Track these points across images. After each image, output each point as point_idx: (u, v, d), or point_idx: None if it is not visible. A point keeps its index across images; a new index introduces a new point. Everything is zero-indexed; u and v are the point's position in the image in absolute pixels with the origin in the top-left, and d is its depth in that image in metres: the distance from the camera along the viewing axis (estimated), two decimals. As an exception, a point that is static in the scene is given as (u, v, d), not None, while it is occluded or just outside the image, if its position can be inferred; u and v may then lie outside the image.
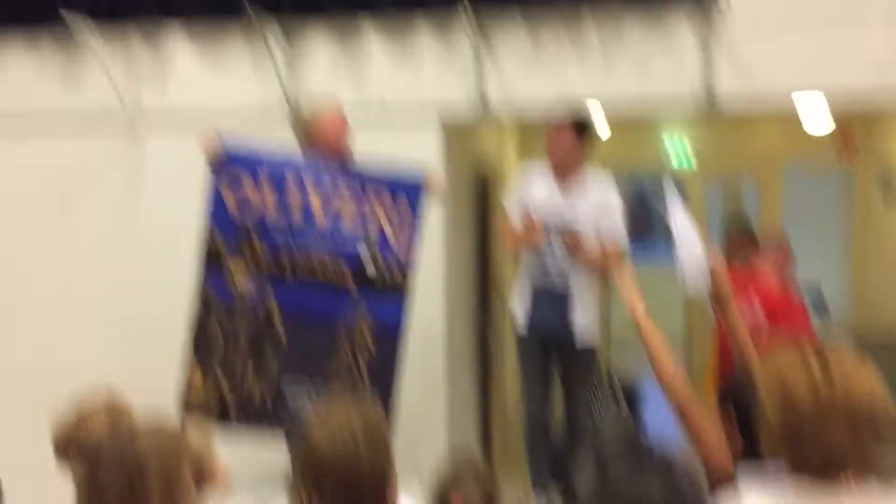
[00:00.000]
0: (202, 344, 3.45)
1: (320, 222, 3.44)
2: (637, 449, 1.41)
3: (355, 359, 3.46)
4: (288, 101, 4.17)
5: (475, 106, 4.05)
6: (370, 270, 3.44)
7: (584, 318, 3.92)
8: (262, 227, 3.44)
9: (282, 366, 3.45)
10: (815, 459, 1.58)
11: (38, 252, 4.37)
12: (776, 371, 1.63)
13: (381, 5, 4.03)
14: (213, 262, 3.45)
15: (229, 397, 3.47)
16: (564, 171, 3.87)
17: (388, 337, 3.44)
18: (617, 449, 1.33)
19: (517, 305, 3.99)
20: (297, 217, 3.44)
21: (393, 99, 4.11)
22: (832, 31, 3.80)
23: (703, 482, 1.40)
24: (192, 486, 1.80)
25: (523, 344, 3.99)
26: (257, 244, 3.45)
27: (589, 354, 4.05)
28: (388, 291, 3.44)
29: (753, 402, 1.69)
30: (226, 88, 4.24)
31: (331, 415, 1.79)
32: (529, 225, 3.76)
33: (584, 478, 1.38)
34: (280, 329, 3.46)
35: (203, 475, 2.24)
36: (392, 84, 4.11)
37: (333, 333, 3.44)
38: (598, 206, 3.86)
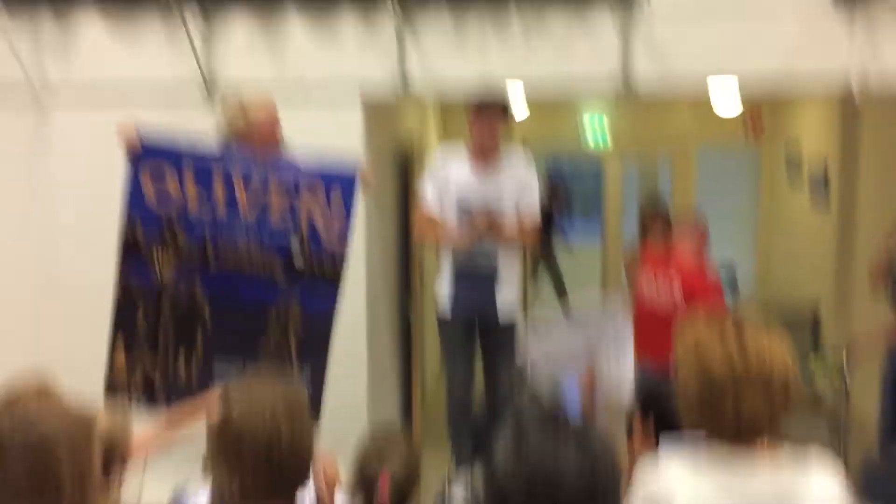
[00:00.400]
0: (125, 327, 3.39)
1: (246, 215, 3.38)
2: (553, 420, 1.42)
3: (286, 341, 3.44)
4: (204, 79, 4.07)
5: (397, 85, 4.04)
6: (299, 263, 3.41)
7: (507, 297, 4.00)
8: (185, 219, 3.37)
9: (209, 346, 3.42)
10: (731, 427, 1.66)
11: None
12: (693, 343, 1.70)
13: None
14: (132, 250, 3.37)
15: (155, 378, 3.43)
16: (486, 152, 3.92)
17: (318, 323, 3.43)
18: (533, 420, 1.34)
19: (440, 287, 4.02)
20: (221, 210, 3.37)
21: (314, 77, 4.06)
22: (745, 21, 3.94)
23: (617, 453, 1.45)
24: (99, 469, 1.77)
25: (447, 325, 4.03)
26: (180, 235, 3.39)
27: (512, 333, 4.13)
28: (318, 282, 3.42)
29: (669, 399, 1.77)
30: (139, 65, 4.11)
31: (250, 390, 1.78)
32: (467, 225, 3.80)
33: (501, 449, 1.40)
34: (206, 312, 3.41)
35: (117, 456, 2.20)
36: (313, 63, 4.06)
37: (262, 317, 3.41)
38: (517, 184, 3.95)
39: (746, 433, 1.66)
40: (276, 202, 3.41)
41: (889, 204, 5.97)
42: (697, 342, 1.70)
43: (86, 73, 4.13)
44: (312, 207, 3.42)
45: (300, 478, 1.76)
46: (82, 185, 4.13)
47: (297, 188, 3.40)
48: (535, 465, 1.34)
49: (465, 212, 3.88)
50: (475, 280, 3.92)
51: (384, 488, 2.10)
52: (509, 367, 4.14)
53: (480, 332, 4.04)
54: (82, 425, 1.70)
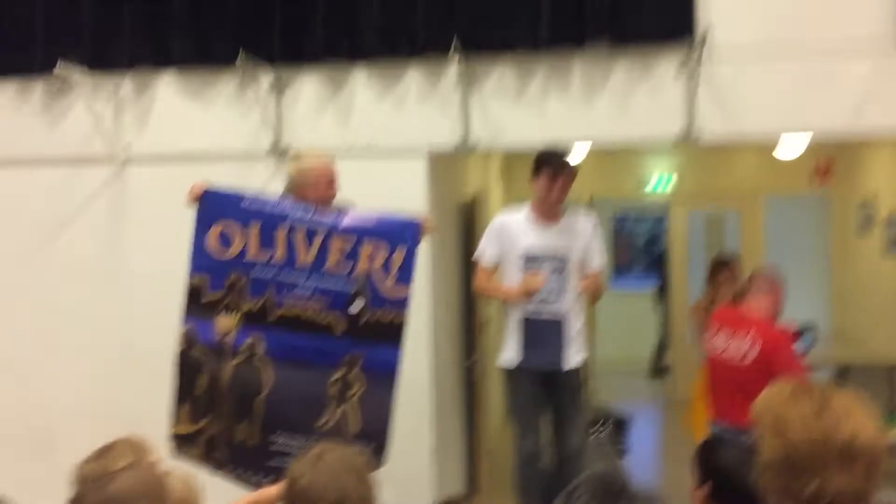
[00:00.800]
0: (187, 389, 3.42)
1: (304, 262, 3.41)
2: (619, 491, 1.37)
3: (345, 401, 3.40)
4: (277, 146, 4.18)
5: (459, 139, 4.09)
6: (354, 309, 3.39)
7: (574, 346, 4.00)
8: (248, 273, 3.41)
9: (270, 420, 3.40)
10: (807, 497, 1.57)
11: (22, 282, 4.35)
12: (777, 413, 1.63)
13: (373, 53, 4.09)
14: (195, 305, 3.42)
15: (219, 444, 3.42)
16: (552, 210, 3.95)
17: (381, 378, 3.39)
18: (600, 491, 1.27)
19: (507, 336, 4.00)
20: (280, 256, 3.41)
21: (381, 133, 4.14)
22: (812, 64, 3.89)
23: None
24: None
25: (514, 375, 4.00)
26: (241, 283, 3.41)
27: (579, 383, 4.11)
28: (379, 334, 3.40)
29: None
30: (213, 133, 4.26)
31: (317, 457, 1.78)
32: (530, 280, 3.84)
33: None
34: (269, 379, 3.41)
35: None
36: (380, 119, 4.15)
37: (323, 385, 3.39)
38: (583, 239, 4.01)
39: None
40: (335, 250, 3.42)
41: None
42: (781, 412, 1.63)
43: (163, 138, 4.29)
44: (373, 261, 3.42)
45: None
46: (157, 246, 4.23)
47: (358, 242, 3.42)
48: None
49: (532, 262, 3.90)
50: (544, 328, 3.92)
51: None
52: (578, 417, 4.08)
53: (547, 382, 4.00)
54: (157, 484, 1.72)
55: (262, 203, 3.48)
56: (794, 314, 4.93)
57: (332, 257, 3.42)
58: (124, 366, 4.21)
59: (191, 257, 3.43)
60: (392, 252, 3.44)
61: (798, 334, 4.21)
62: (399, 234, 3.46)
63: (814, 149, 7.97)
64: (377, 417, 3.40)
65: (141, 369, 4.13)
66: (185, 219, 3.48)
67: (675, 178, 8.90)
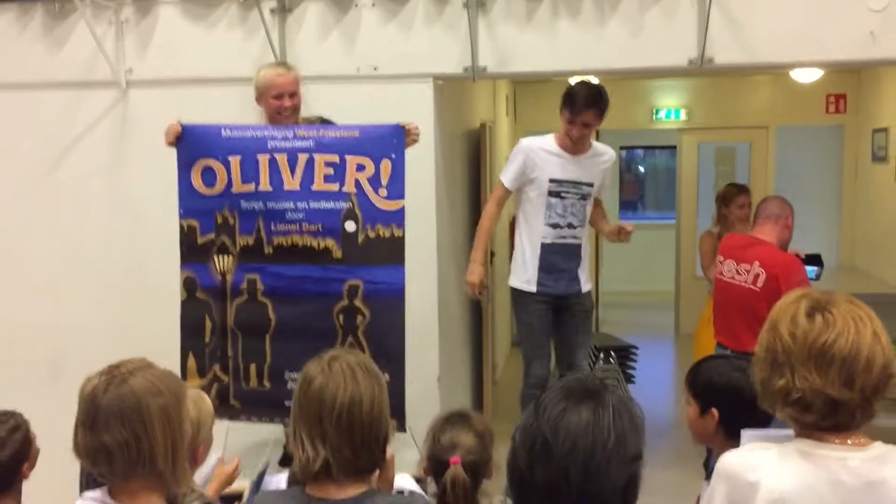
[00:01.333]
0: (193, 337, 3.40)
1: (291, 186, 3.34)
2: (592, 390, 1.36)
3: (351, 330, 3.36)
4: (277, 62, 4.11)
5: (467, 63, 4.02)
6: (351, 228, 3.32)
7: (585, 272, 4.10)
8: (232, 200, 3.35)
9: (279, 353, 3.37)
10: (778, 390, 1.57)
11: (26, 207, 4.34)
12: (778, 306, 1.62)
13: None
14: (191, 250, 3.38)
15: (229, 392, 3.41)
16: (578, 146, 3.97)
17: (387, 303, 3.33)
18: (574, 389, 1.31)
19: (523, 260, 4.01)
20: (266, 184, 3.35)
21: (385, 57, 4.06)
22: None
23: (642, 424, 1.36)
24: (189, 443, 1.79)
25: (529, 300, 4.01)
26: (231, 218, 3.36)
27: (589, 310, 4.19)
28: (379, 253, 3.31)
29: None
30: (216, 57, 4.15)
31: (331, 359, 1.79)
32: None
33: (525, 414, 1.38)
34: (272, 317, 3.38)
35: (200, 439, 2.23)
36: (385, 43, 4.06)
37: (326, 307, 3.34)
38: (602, 173, 4.10)
39: (831, 414, 1.54)
40: (323, 174, 3.35)
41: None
42: (781, 309, 1.62)
43: (166, 62, 4.21)
44: (360, 173, 3.35)
45: (377, 452, 1.76)
46: (161, 171, 4.17)
47: (342, 157, 3.34)
48: (540, 421, 1.33)
49: (557, 186, 3.94)
50: (563, 254, 3.97)
51: (458, 473, 2.09)
52: (587, 344, 4.14)
53: (559, 307, 4.04)
54: (174, 394, 1.73)
55: (241, 132, 3.40)
56: (804, 245, 4.90)
57: (318, 176, 3.34)
58: (132, 289, 4.22)
59: (180, 201, 3.37)
60: (378, 165, 3.33)
61: (807, 261, 4.18)
62: (382, 146, 3.34)
63: (827, 78, 7.85)
64: (390, 348, 3.32)
65: (149, 292, 4.14)
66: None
67: (685, 109, 8.80)
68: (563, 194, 3.93)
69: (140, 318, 4.12)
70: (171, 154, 3.51)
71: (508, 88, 7.89)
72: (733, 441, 2.06)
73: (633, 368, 6.08)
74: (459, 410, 2.31)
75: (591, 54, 3.99)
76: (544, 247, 3.96)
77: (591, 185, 3.99)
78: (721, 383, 2.21)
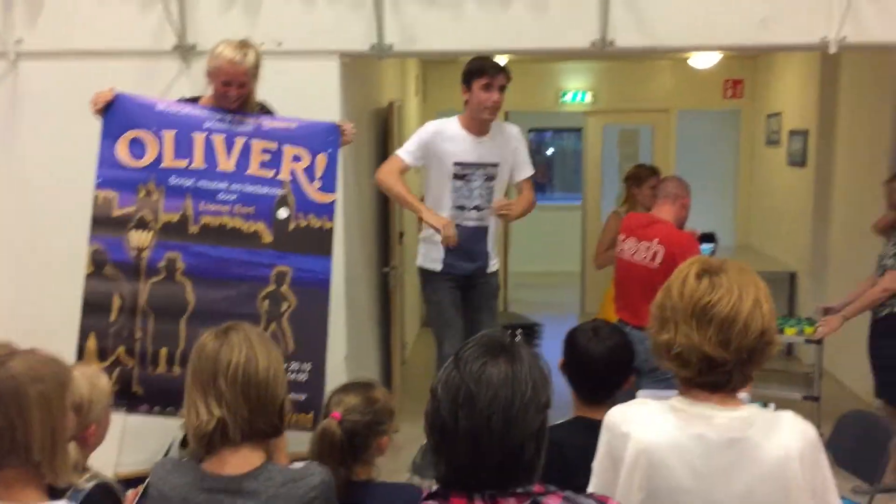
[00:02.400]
0: (98, 314, 3.18)
1: (225, 167, 3.26)
2: (504, 346, 1.47)
3: (276, 317, 3.28)
4: (181, 43, 3.99)
5: (373, 41, 3.99)
6: (283, 215, 3.29)
7: (494, 252, 4.09)
8: (160, 174, 3.23)
9: (195, 337, 3.22)
10: (661, 344, 1.66)
11: None
12: (670, 281, 1.71)
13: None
14: (103, 222, 3.19)
15: (132, 379, 3.21)
16: (484, 121, 3.91)
17: (313, 292, 3.29)
18: (487, 345, 1.45)
19: (429, 239, 4.00)
20: (199, 162, 3.25)
21: (290, 33, 4.00)
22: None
23: (549, 376, 1.48)
24: (72, 429, 1.73)
25: (437, 279, 4.01)
26: (155, 193, 3.22)
27: (496, 289, 4.19)
28: (308, 243, 3.29)
29: None
30: (112, 29, 4.01)
31: (227, 328, 1.79)
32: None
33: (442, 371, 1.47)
34: (191, 298, 3.22)
35: (91, 421, 2.13)
36: (289, 19, 4.00)
37: (251, 292, 3.24)
38: (511, 152, 4.04)
39: (707, 371, 1.63)
40: (259, 160, 3.30)
41: (865, 157, 6.01)
42: (676, 273, 1.71)
43: (57, 33, 4.04)
44: (297, 165, 3.33)
45: (275, 416, 1.75)
46: (54, 145, 4.02)
47: (280, 146, 3.32)
48: (463, 374, 1.42)
49: (463, 169, 3.89)
50: (471, 235, 3.95)
51: (329, 425, 2.09)
52: (493, 323, 4.16)
53: (467, 286, 4.05)
54: (56, 380, 1.65)
55: (178, 108, 3.31)
56: (702, 224, 5.08)
57: (255, 161, 3.29)
58: (24, 267, 4.06)
59: (97, 170, 3.21)
60: (314, 158, 3.36)
61: (702, 239, 4.35)
62: (320, 140, 3.37)
63: (725, 64, 8.13)
64: (312, 335, 3.28)
65: (42, 270, 3.99)
66: (85, 117, 3.31)
67: (591, 92, 8.99)
68: (468, 177, 3.90)
69: (33, 296, 3.97)
70: (66, 127, 3.38)
71: (418, 68, 7.90)
72: (581, 402, 2.40)
73: (538, 346, 6.21)
74: (363, 380, 2.32)
75: (496, 34, 4.02)
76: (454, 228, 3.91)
77: (495, 165, 3.96)
78: (570, 339, 2.45)
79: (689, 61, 7.46)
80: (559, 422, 2.32)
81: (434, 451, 1.46)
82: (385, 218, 5.40)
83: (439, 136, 3.90)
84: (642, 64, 8.63)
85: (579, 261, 9.13)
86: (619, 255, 4.27)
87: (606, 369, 2.39)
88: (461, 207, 3.94)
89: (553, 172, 13.20)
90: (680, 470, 1.61)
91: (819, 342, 4.86)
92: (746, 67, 8.52)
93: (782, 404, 1.79)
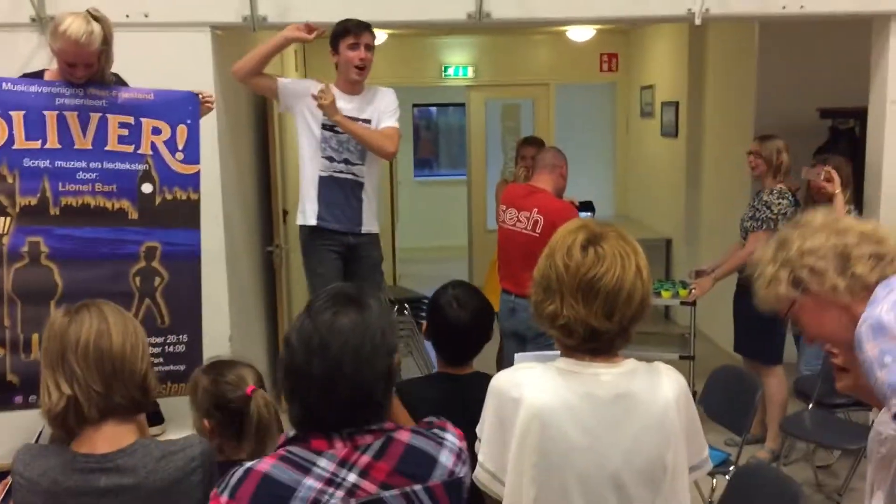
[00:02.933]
0: None
1: (82, 144, 3.14)
2: (347, 295, 1.58)
3: (148, 293, 3.23)
4: (39, 15, 3.77)
5: (246, 11, 3.90)
6: (147, 189, 3.22)
7: (370, 212, 4.02)
8: (18, 165, 3.09)
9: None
10: (547, 315, 1.69)
11: None
12: (556, 235, 1.74)
13: None
14: None
15: (3, 357, 3.11)
16: (356, 80, 3.89)
17: (184, 265, 3.26)
18: (337, 296, 1.59)
19: (305, 195, 3.94)
20: (53, 141, 3.11)
21: (159, 9, 3.85)
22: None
23: (396, 323, 1.61)
24: None
25: (315, 237, 3.95)
26: (10, 177, 3.08)
27: (378, 261, 4.14)
28: (175, 216, 3.24)
29: None
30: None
31: (77, 307, 1.74)
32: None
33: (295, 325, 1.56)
34: (59, 282, 3.12)
35: None
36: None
37: (124, 281, 3.18)
38: (382, 104, 3.99)
39: (591, 340, 1.67)
40: (117, 134, 3.20)
41: (732, 127, 6.31)
42: (559, 239, 1.72)
43: None
44: (157, 138, 3.25)
45: (135, 389, 1.71)
46: None
47: (138, 120, 3.22)
48: (316, 323, 1.52)
49: (329, 127, 3.86)
50: (344, 187, 3.91)
51: (264, 396, 2.07)
52: (376, 279, 4.14)
53: (348, 255, 4.01)
54: None
55: (26, 86, 3.14)
56: (582, 194, 5.21)
57: (113, 137, 3.19)
58: None
59: None
60: (174, 129, 3.28)
61: (580, 207, 4.48)
62: (178, 110, 3.29)
63: (601, 38, 8.34)
64: (186, 308, 3.28)
65: None
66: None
67: (472, 67, 9.06)
68: (336, 129, 3.86)
69: None
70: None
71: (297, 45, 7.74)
72: (444, 362, 2.51)
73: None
74: (222, 357, 2.28)
75: (372, 6, 3.98)
76: (322, 179, 3.90)
77: (367, 121, 3.93)
78: (433, 307, 2.55)
79: (567, 34, 7.62)
80: (419, 375, 2.43)
81: (288, 396, 1.54)
82: (267, 196, 5.30)
83: (313, 87, 3.84)
84: (522, 38, 8.75)
85: (466, 234, 9.23)
86: (501, 224, 4.34)
87: (470, 334, 2.49)
88: (329, 159, 3.89)
89: (438, 147, 13.26)
90: (572, 429, 1.65)
91: (693, 304, 5.09)
92: (621, 41, 8.77)
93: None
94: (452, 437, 1.60)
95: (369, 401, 1.52)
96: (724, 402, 3.91)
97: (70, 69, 3.13)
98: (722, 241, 5.64)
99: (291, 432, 1.54)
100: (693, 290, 4.98)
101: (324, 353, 1.49)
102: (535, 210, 4.12)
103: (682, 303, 5.17)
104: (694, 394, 4.56)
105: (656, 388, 1.71)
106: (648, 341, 5.38)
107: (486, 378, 1.81)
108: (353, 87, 3.93)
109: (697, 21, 4.10)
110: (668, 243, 7.66)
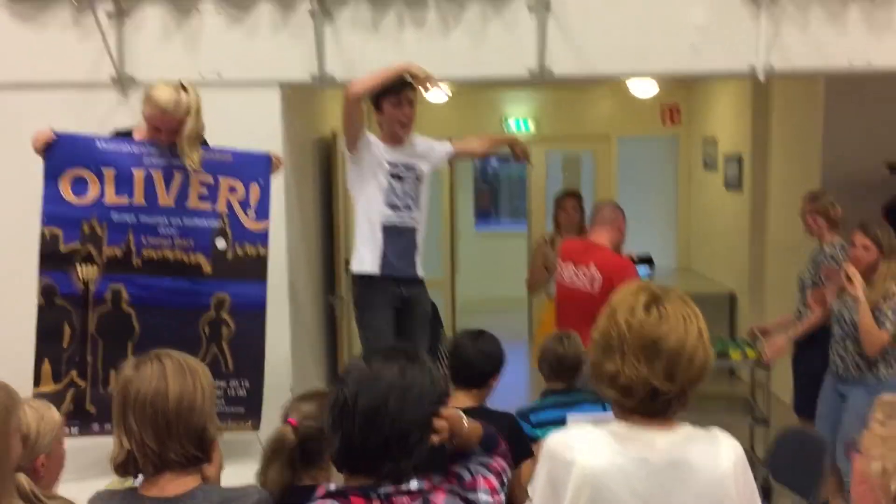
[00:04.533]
0: (50, 343, 3.36)
1: (165, 202, 3.41)
2: (403, 350, 1.72)
3: (215, 340, 3.48)
4: (119, 76, 3.96)
5: (314, 71, 4.02)
6: (221, 245, 3.47)
7: (420, 258, 4.02)
8: (107, 219, 3.37)
9: (139, 353, 3.35)
10: (606, 375, 1.68)
11: None
12: (617, 297, 1.74)
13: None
14: (52, 257, 3.34)
15: (86, 402, 3.40)
16: (401, 134, 3.93)
17: (250, 316, 3.49)
18: (385, 352, 1.73)
19: (362, 243, 3.95)
20: (140, 198, 3.39)
21: (231, 64, 4.01)
22: (654, 10, 4.05)
23: (445, 380, 1.78)
24: (16, 458, 1.71)
25: (372, 286, 3.94)
26: (99, 229, 3.36)
27: (429, 311, 4.16)
28: (245, 270, 3.48)
29: None
30: (48, 60, 3.97)
31: (141, 359, 1.80)
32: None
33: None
34: (136, 326, 3.40)
35: (40, 451, 2.10)
36: (230, 50, 4.00)
37: (195, 329, 3.44)
38: (429, 148, 4.07)
39: (649, 401, 1.66)
40: (197, 193, 3.46)
41: (798, 181, 6.21)
42: (620, 299, 1.72)
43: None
44: (233, 196, 3.49)
45: (190, 445, 1.75)
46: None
47: (216, 178, 3.47)
48: (368, 364, 1.64)
49: (396, 169, 3.90)
50: (403, 235, 3.92)
51: (285, 431, 2.10)
52: (424, 342, 4.11)
53: (404, 307, 3.99)
54: (4, 411, 1.64)
55: (117, 145, 3.42)
56: (644, 248, 5.18)
57: (193, 195, 3.45)
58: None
59: (43, 208, 3.35)
60: (247, 187, 3.52)
61: (639, 261, 4.45)
62: (252, 169, 3.54)
63: (663, 90, 8.34)
64: (250, 357, 3.52)
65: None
66: (23, 149, 3.33)
67: (533, 119, 9.13)
68: (401, 176, 3.90)
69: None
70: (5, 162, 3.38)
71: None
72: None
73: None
74: (319, 389, 2.33)
75: (436, 63, 4.06)
76: (385, 228, 3.89)
77: (422, 169, 3.97)
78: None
79: (629, 88, 7.64)
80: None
81: (331, 428, 1.64)
82: (330, 247, 5.40)
83: (374, 139, 3.92)
84: (583, 91, 8.80)
85: (525, 287, 9.20)
86: (559, 280, 4.33)
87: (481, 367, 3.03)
88: (393, 207, 3.93)
89: (499, 199, 13.33)
90: (623, 494, 1.63)
91: (767, 367, 4.97)
92: (683, 94, 8.75)
93: (730, 431, 1.81)
94: (485, 496, 1.67)
95: (404, 442, 1.59)
96: (792, 465, 3.79)
97: (156, 133, 3.40)
98: (787, 297, 5.52)
99: (332, 485, 1.59)
100: (767, 351, 4.85)
101: (371, 389, 1.60)
102: (593, 266, 4.10)
103: (756, 364, 5.05)
104: (757, 459, 4.45)
105: (712, 455, 1.68)
106: (713, 403, 5.25)
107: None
108: (401, 142, 3.98)
109: (761, 77, 4.08)
110: (731, 298, 7.53)
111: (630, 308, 1.68)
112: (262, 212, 3.53)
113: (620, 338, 1.67)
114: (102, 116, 3.86)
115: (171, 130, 3.36)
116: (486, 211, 12.96)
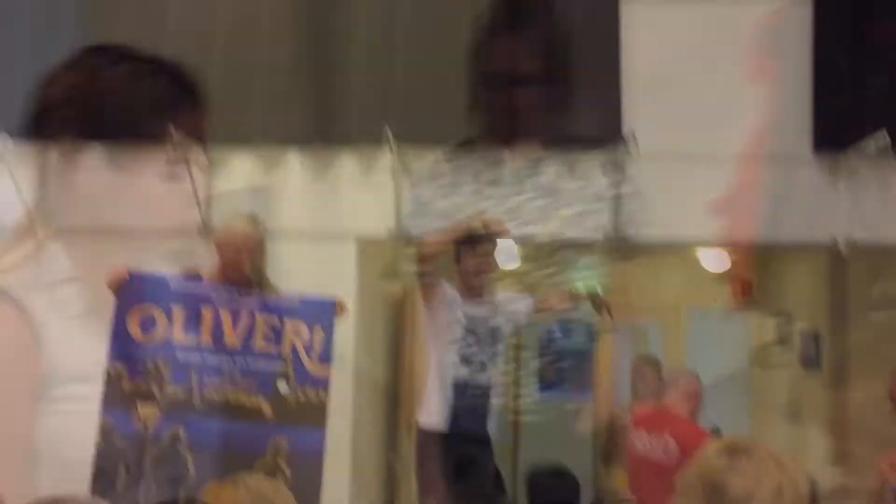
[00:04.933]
0: (105, 481, 3.31)
1: (231, 342, 3.46)
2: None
3: None
4: (205, 224, 4.13)
5: (391, 227, 4.11)
6: (283, 389, 3.47)
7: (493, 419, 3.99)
8: (168, 350, 3.42)
9: (187, 494, 3.35)
10: None
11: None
12: (706, 472, 1.64)
13: (308, 140, 4.16)
14: (114, 395, 3.36)
15: None
16: (479, 286, 3.96)
17: (308, 462, 3.45)
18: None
19: (431, 397, 3.89)
20: (207, 339, 3.44)
21: (310, 217, 4.14)
22: (728, 176, 4.08)
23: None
24: None
25: (436, 444, 3.84)
26: (163, 368, 3.41)
27: (493, 456, 4.04)
28: (305, 415, 3.47)
29: None
30: (139, 209, 4.17)
31: (232, 482, 1.73)
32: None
33: None
34: (191, 469, 3.41)
35: None
36: (310, 203, 4.15)
37: (249, 462, 3.40)
38: (507, 305, 4.19)
39: None
40: (263, 336, 3.49)
41: (882, 361, 5.95)
42: (719, 478, 1.63)
43: (86, 213, 4.18)
44: (297, 340, 3.52)
45: None
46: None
47: (282, 321, 3.52)
48: None
49: (471, 323, 3.96)
50: (475, 394, 3.83)
51: None
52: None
53: (468, 449, 3.88)
54: None
55: (188, 286, 3.48)
56: (715, 424, 4.97)
57: (259, 336, 3.49)
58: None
59: (109, 345, 3.38)
60: (312, 332, 3.54)
61: (714, 432, 4.29)
62: (319, 315, 3.59)
63: (734, 262, 8.27)
64: (304, 502, 3.33)
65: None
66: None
67: (600, 290, 9.09)
68: (475, 330, 3.94)
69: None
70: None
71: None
72: None
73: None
74: None
75: (511, 221, 4.12)
76: (456, 386, 3.91)
77: (497, 326, 4.06)
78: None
79: (700, 261, 7.60)
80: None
81: None
82: (395, 406, 5.32)
83: (451, 292, 3.95)
84: (652, 261, 8.78)
85: (591, 460, 8.86)
86: (631, 449, 4.16)
87: None
88: (467, 362, 3.85)
89: (565, 370, 13.14)
90: None
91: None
92: (755, 266, 8.65)
93: None
94: None
95: None
96: None
97: (224, 269, 3.38)
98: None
99: None
100: None
101: None
102: (667, 434, 3.95)
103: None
104: None
105: None
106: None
107: None
108: (477, 293, 3.99)
109: (843, 250, 4.01)
110: (811, 484, 7.08)
111: (703, 453, 1.62)
112: (326, 356, 3.54)
113: (688, 483, 1.59)
114: (187, 264, 3.97)
115: (239, 265, 3.42)
116: (550, 382, 12.76)
